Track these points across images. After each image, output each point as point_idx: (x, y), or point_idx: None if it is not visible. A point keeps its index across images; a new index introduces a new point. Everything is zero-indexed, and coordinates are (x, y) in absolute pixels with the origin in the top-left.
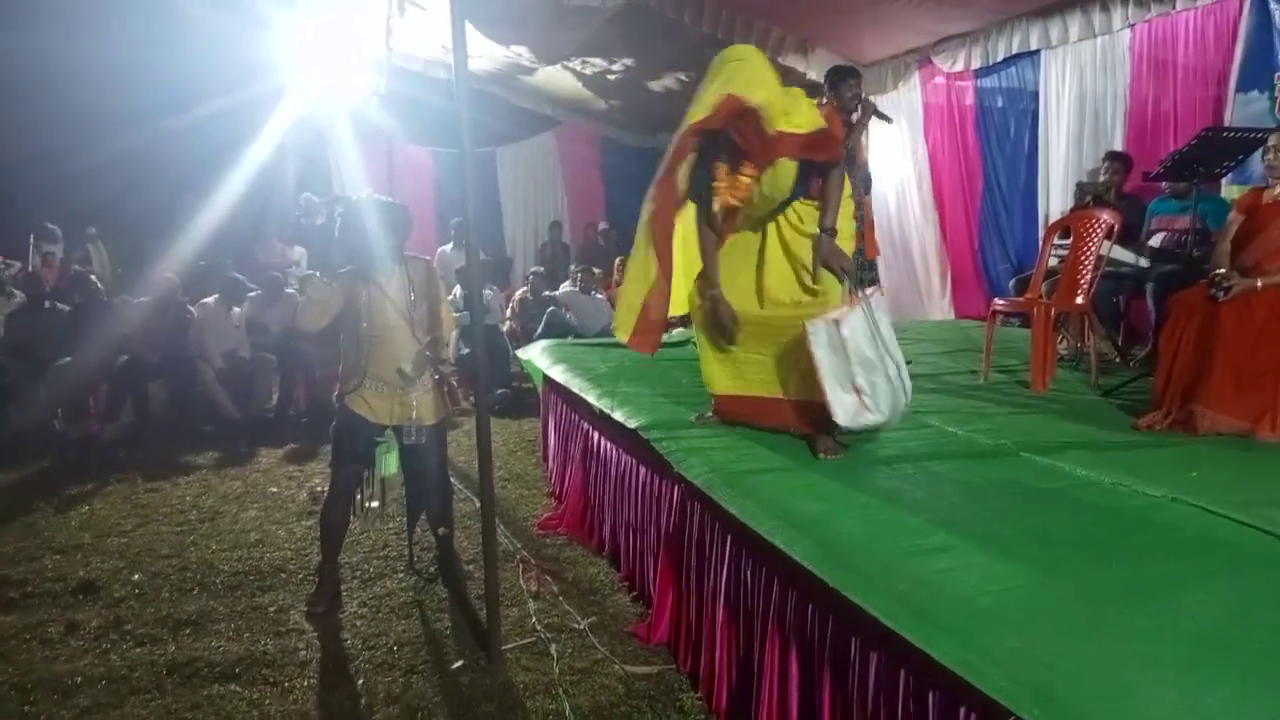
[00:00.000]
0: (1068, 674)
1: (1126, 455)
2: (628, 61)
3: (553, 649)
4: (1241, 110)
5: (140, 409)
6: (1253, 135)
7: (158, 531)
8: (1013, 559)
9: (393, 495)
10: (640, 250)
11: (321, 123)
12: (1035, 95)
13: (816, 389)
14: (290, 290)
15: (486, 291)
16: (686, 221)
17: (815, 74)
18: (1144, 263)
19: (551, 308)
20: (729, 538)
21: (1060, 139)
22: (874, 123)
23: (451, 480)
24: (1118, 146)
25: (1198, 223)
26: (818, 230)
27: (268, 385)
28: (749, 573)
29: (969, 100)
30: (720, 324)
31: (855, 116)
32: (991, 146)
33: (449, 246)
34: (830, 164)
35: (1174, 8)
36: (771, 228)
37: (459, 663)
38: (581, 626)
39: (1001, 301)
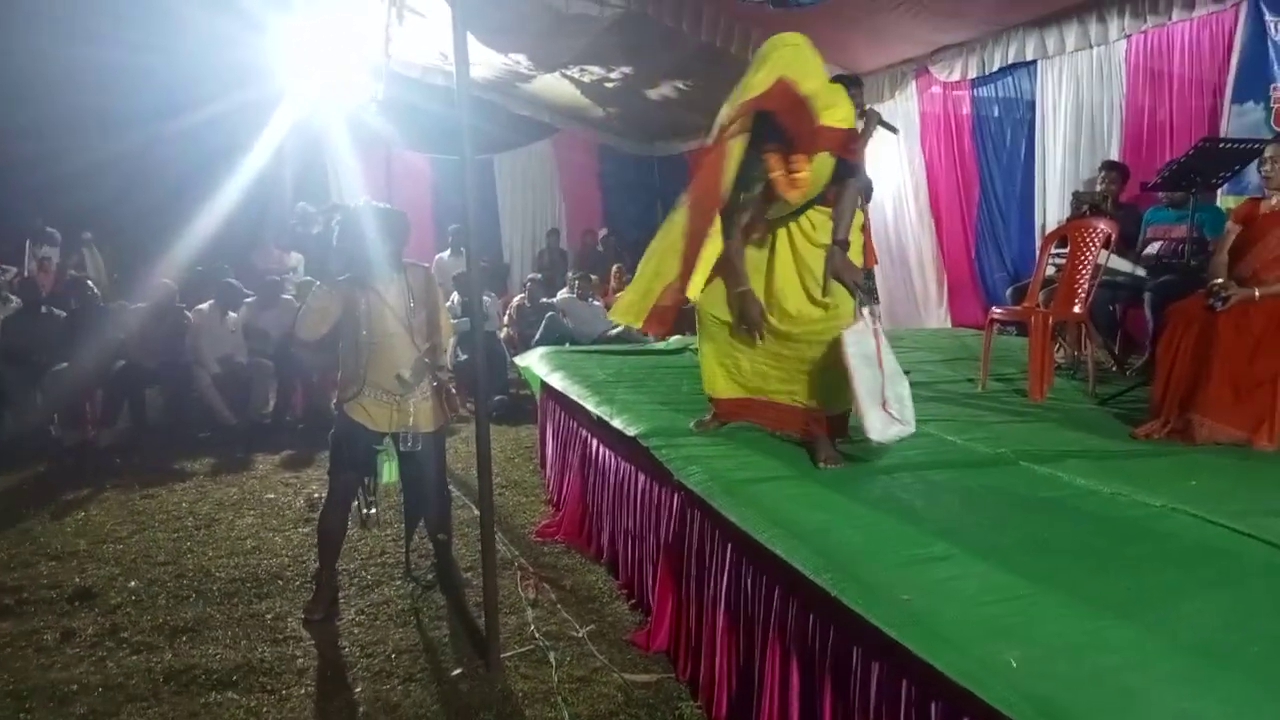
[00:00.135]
0: (1069, 684)
1: (1125, 464)
2: (626, 70)
3: (551, 657)
4: (1237, 121)
5: (136, 415)
6: (1249, 146)
7: (154, 538)
8: (1013, 569)
9: (390, 502)
10: (668, 243)
11: (319, 128)
12: (1032, 105)
13: (840, 400)
14: (287, 296)
15: (484, 298)
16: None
17: None
18: (1141, 272)
19: (551, 313)
20: (729, 546)
21: (1056, 149)
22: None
23: (450, 487)
24: (1114, 156)
25: (1195, 232)
26: (829, 241)
27: (265, 391)
28: (749, 581)
29: (966, 110)
30: (751, 319)
31: (860, 126)
32: (988, 156)
33: (446, 253)
34: (854, 169)
35: (1170, 19)
36: (782, 234)
37: (457, 670)
38: (580, 634)
39: (999, 310)
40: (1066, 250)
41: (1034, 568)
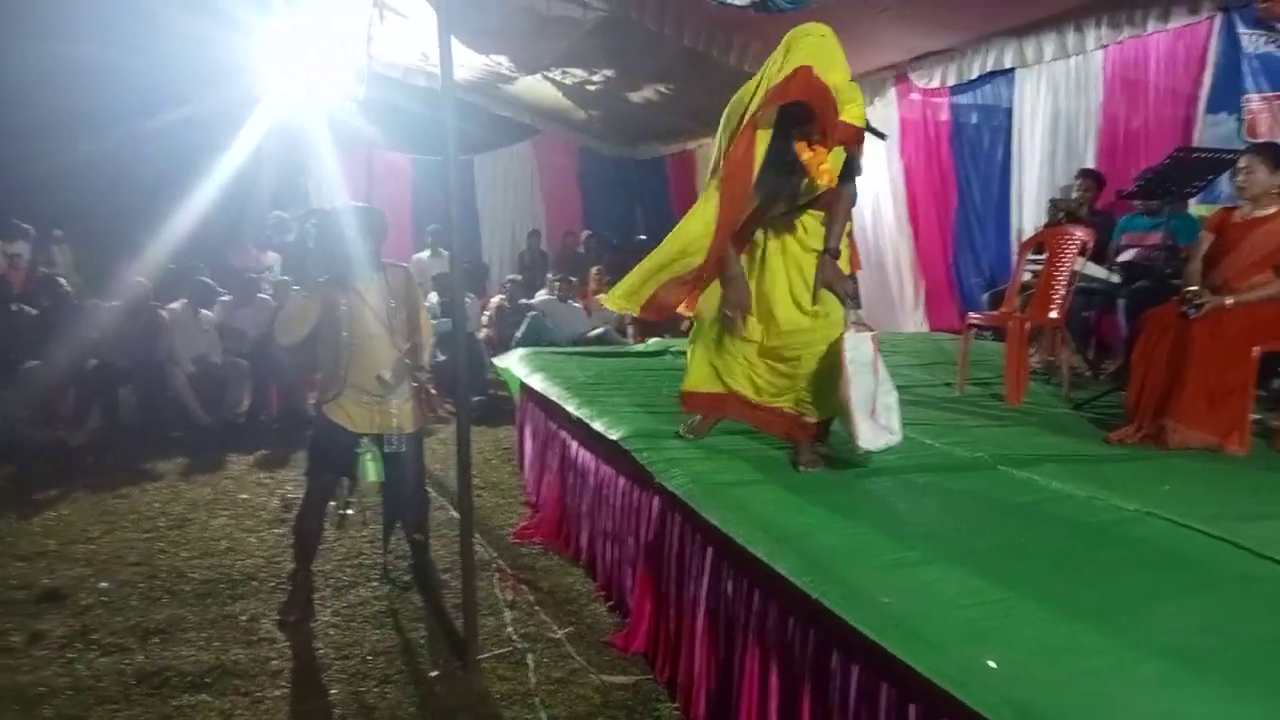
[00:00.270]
0: (1048, 687)
1: (1100, 469)
2: (608, 73)
3: (529, 659)
4: (1210, 131)
5: (109, 414)
6: (1223, 156)
7: (125, 538)
8: (991, 572)
9: (367, 503)
10: (693, 233)
11: (299, 128)
12: (1009, 113)
13: (827, 407)
14: (264, 295)
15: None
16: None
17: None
18: (1115, 279)
19: (535, 314)
20: (709, 548)
21: (1033, 156)
22: None
23: (427, 488)
24: (1090, 164)
25: (1169, 239)
26: (820, 247)
27: (240, 391)
28: (729, 583)
29: (944, 116)
30: (738, 303)
31: None
32: (966, 162)
33: (425, 254)
34: (858, 171)
35: (1145, 30)
36: (774, 237)
37: (435, 672)
38: (558, 636)
39: (977, 315)
40: (1043, 256)
41: (1012, 572)
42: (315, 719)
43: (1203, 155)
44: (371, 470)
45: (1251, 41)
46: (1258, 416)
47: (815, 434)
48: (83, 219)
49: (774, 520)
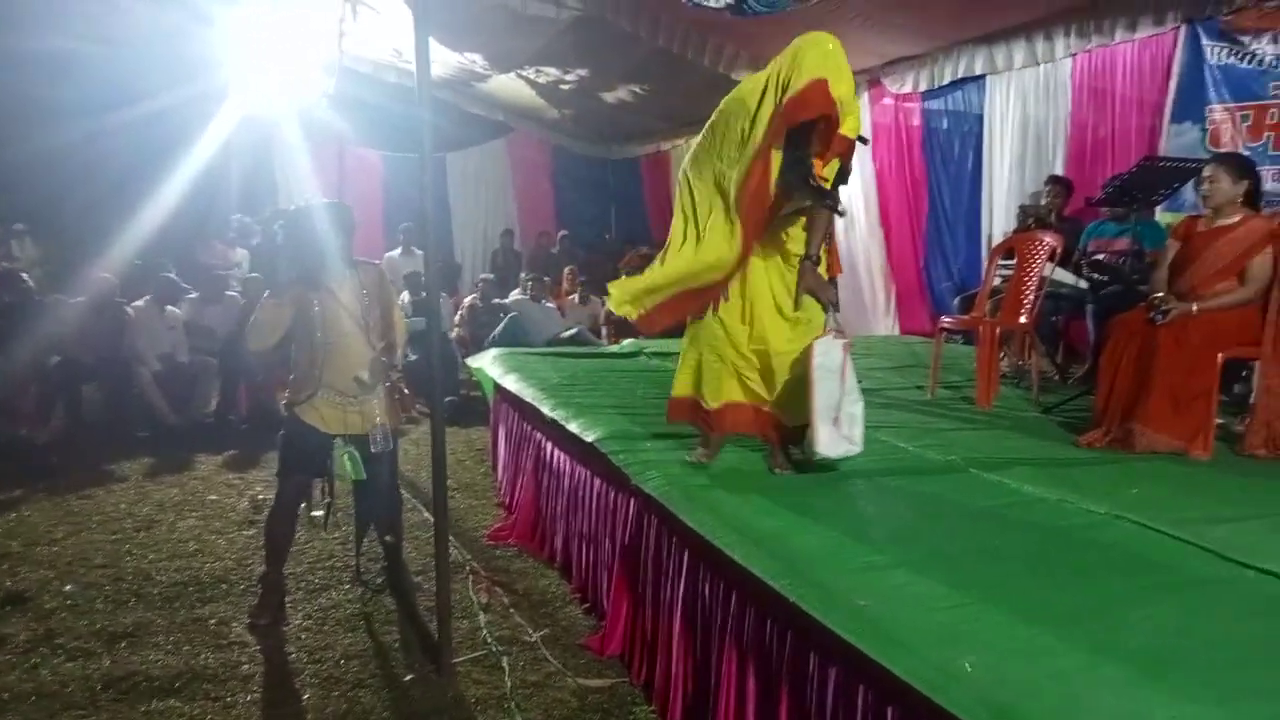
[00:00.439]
0: (1023, 689)
1: (1070, 472)
2: (581, 72)
3: (504, 662)
4: (1175, 140)
5: (73, 412)
6: (1187, 165)
7: (91, 540)
8: (965, 575)
9: (339, 504)
10: (714, 252)
11: (269, 122)
12: (980, 119)
13: (800, 413)
14: (232, 293)
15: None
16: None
17: None
18: (1082, 284)
19: (513, 315)
20: (686, 551)
21: (1003, 162)
22: None
23: (400, 490)
24: (1059, 171)
25: (1135, 245)
26: (802, 253)
27: (208, 390)
28: (706, 586)
29: (916, 121)
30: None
31: None
32: (937, 167)
33: (397, 252)
34: (844, 179)
35: (1113, 39)
36: (756, 246)
37: (409, 676)
38: (533, 639)
39: (949, 319)
40: (1013, 262)
41: (985, 575)
42: None
43: (1169, 164)
44: (353, 468)
45: (1215, 53)
46: (1221, 421)
47: (791, 437)
48: (47, 213)
49: (751, 523)
